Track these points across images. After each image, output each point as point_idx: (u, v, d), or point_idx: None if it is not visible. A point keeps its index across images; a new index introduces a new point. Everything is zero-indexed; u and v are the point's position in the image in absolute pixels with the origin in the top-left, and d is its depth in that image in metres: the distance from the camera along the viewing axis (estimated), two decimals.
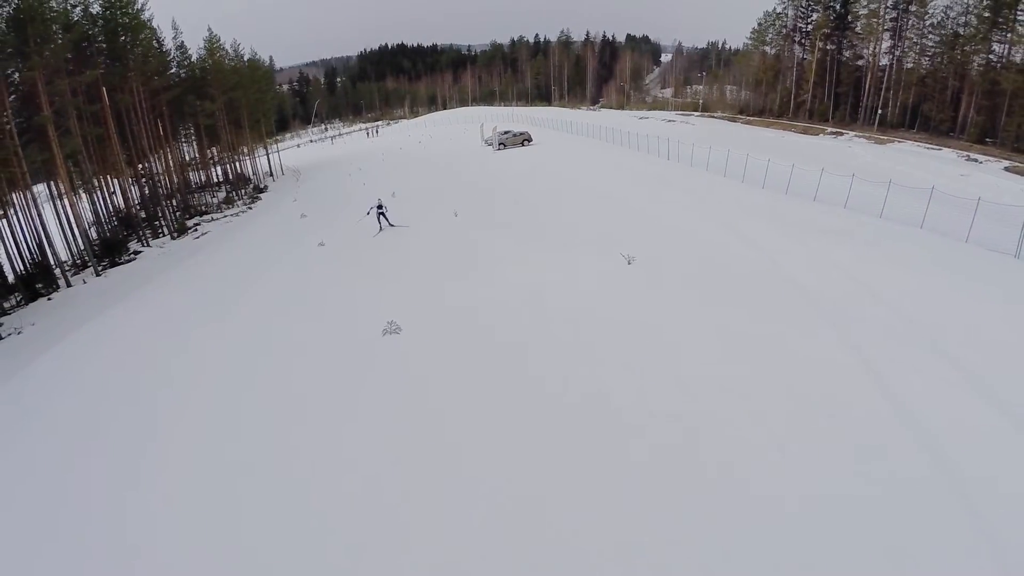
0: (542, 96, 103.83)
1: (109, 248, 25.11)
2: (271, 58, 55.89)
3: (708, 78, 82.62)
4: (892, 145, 43.99)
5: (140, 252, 26.26)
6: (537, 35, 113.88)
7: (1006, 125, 40.41)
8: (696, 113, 69.07)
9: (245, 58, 49.75)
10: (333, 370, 10.21)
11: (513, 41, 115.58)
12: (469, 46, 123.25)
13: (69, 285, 22.45)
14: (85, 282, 22.64)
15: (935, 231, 15.56)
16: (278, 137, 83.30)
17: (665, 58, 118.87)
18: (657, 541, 5.84)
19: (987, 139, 41.46)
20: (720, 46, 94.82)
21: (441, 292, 13.03)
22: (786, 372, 8.65)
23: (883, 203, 17.60)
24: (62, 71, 23.90)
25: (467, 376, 9.27)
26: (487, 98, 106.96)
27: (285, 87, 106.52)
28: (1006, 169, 35.75)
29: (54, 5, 24.32)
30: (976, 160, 38.07)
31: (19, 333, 17.82)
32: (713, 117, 64.71)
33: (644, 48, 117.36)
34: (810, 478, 6.51)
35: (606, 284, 12.56)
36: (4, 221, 21.88)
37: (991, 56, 43.06)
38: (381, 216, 21.11)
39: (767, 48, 60.77)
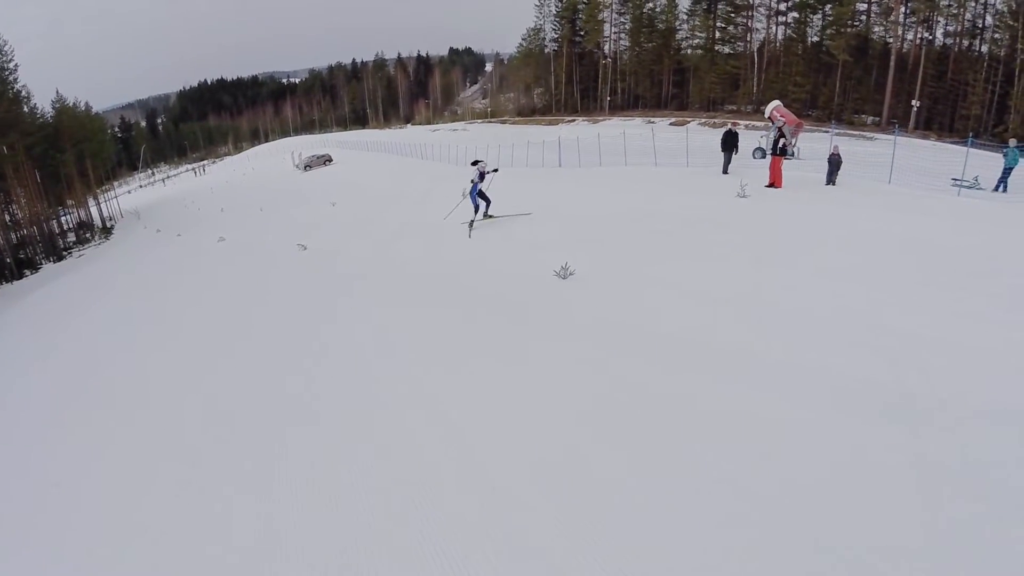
0: (359, 119, 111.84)
1: None
2: (87, 103, 63.76)
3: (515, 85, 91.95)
4: (603, 122, 56.24)
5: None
6: (354, 59, 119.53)
7: (692, 93, 54.99)
8: (480, 120, 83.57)
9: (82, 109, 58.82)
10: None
11: (331, 67, 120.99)
12: (288, 75, 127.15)
13: None
14: None
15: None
16: (106, 186, 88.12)
17: (489, 68, 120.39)
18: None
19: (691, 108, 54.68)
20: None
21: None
22: None
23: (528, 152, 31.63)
24: None
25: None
26: (308, 127, 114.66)
27: (108, 132, 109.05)
28: (671, 124, 48.68)
29: None
30: (652, 121, 51.23)
31: None
32: (490, 122, 79.10)
33: (467, 60, 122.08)
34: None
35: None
36: None
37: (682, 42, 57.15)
38: (482, 195, 15.52)
39: (531, 55, 71.90)
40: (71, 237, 49.36)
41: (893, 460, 4.69)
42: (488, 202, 15.77)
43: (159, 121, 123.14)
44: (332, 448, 6.38)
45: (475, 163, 15.84)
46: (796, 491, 4.48)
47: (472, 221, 15.67)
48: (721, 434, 5.33)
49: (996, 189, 16.38)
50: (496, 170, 16.03)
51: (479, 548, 4.45)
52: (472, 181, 15.44)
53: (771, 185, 16.58)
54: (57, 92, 53.37)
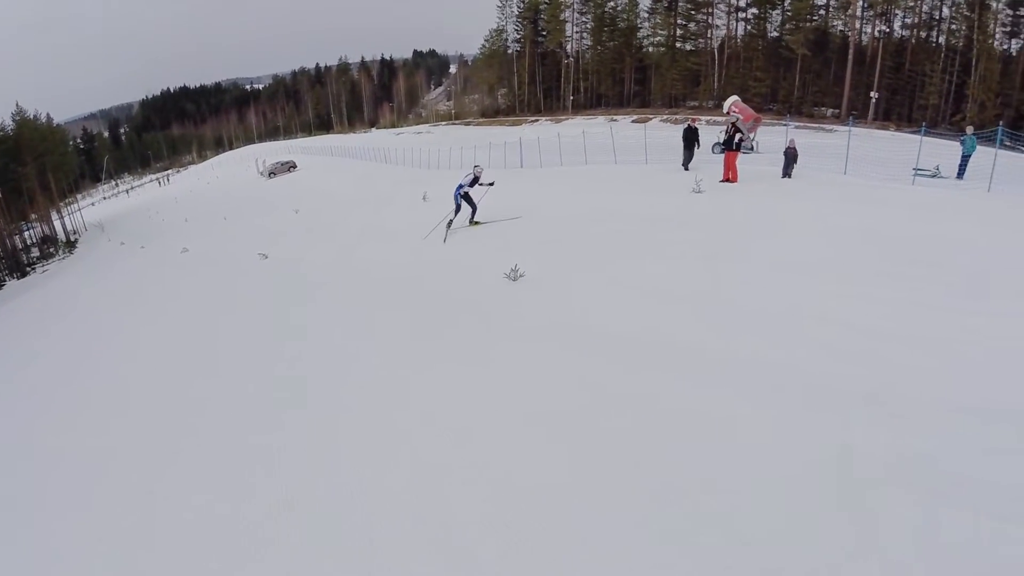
0: (323, 124, 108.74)
1: None
2: (48, 115, 62.35)
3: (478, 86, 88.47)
4: (566, 121, 55.55)
5: None
6: (318, 63, 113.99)
7: (654, 90, 54.81)
8: (444, 123, 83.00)
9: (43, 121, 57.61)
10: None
11: (295, 72, 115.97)
12: (251, 81, 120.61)
13: None
14: None
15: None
16: (70, 199, 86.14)
17: (453, 69, 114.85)
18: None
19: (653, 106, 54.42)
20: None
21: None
22: None
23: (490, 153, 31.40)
24: None
25: None
26: (272, 133, 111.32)
27: (70, 144, 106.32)
28: (632, 122, 48.67)
29: None
30: (615, 119, 50.97)
31: None
32: (454, 124, 78.61)
33: (431, 62, 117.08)
34: None
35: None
36: None
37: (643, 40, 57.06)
38: (466, 198, 15.22)
39: (494, 56, 71.77)
40: (35, 252, 48.39)
41: (859, 456, 4.75)
42: (474, 208, 15.44)
43: (122, 131, 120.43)
44: (299, 456, 6.37)
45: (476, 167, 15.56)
46: (763, 489, 4.54)
47: (450, 221, 15.40)
48: (684, 433, 5.39)
49: (959, 177, 16.82)
50: (492, 183, 15.65)
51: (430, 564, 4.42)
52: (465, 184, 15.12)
53: (726, 180, 16.79)
54: (17, 104, 52.27)
